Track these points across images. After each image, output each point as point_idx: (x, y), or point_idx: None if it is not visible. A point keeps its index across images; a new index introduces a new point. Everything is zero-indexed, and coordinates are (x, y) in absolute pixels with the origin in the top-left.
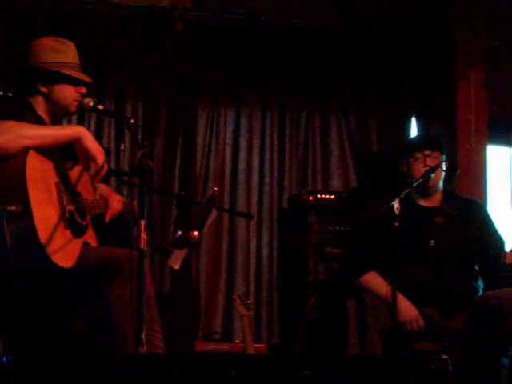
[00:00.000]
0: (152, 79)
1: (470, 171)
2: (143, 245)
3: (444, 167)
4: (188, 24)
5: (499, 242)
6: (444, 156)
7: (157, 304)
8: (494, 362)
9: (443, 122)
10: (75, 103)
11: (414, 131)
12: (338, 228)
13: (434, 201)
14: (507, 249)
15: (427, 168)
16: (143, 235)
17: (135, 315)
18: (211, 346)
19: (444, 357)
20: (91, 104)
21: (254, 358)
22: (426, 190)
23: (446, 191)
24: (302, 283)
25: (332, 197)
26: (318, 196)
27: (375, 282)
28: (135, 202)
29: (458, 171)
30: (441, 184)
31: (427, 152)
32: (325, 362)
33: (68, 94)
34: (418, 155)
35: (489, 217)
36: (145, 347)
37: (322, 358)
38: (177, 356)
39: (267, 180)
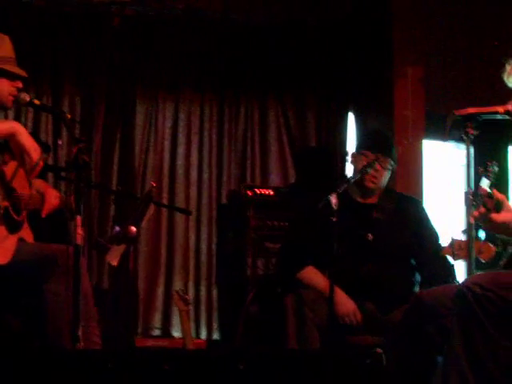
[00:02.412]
0: (90, 74)
1: (408, 166)
2: (80, 240)
3: (390, 167)
4: (126, 18)
5: (434, 237)
6: (393, 161)
7: (95, 300)
8: (429, 359)
9: (381, 117)
10: (11, 98)
11: (351, 126)
12: (276, 223)
13: (372, 198)
14: (442, 242)
15: (364, 163)
16: (80, 231)
17: (71, 311)
18: (151, 343)
19: (378, 351)
20: (27, 99)
21: (190, 354)
22: (365, 190)
23: (385, 188)
24: (240, 278)
25: (271, 192)
26: (257, 191)
27: (313, 276)
28: (72, 198)
29: (395, 167)
30: (383, 186)
31: (379, 155)
32: (261, 356)
33: (4, 88)
34: (369, 154)
35: (425, 212)
36: (81, 344)
37: (258, 353)
38: (112, 352)
39: (206, 175)
